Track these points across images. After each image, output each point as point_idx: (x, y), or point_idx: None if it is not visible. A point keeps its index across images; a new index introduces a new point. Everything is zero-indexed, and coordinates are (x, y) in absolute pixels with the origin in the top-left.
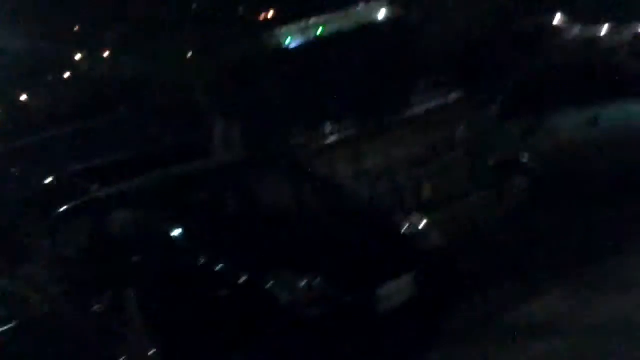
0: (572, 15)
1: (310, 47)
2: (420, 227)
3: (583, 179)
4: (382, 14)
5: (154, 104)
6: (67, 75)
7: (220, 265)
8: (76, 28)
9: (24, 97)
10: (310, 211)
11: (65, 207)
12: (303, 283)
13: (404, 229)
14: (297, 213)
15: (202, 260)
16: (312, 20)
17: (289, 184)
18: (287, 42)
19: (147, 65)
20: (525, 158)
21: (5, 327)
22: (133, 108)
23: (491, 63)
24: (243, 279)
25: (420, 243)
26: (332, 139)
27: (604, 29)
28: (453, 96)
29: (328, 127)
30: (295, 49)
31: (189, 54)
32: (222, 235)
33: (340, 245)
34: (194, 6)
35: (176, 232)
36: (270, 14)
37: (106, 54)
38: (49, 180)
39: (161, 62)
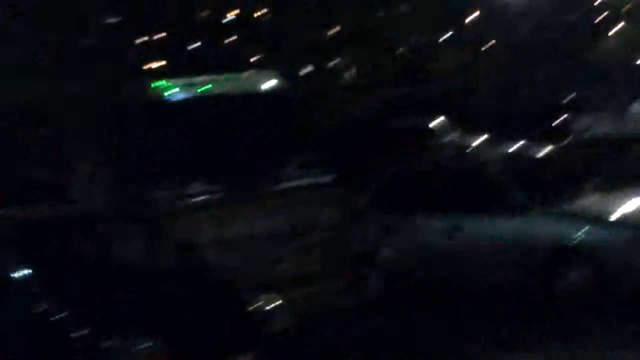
0: (453, 121)
1: (190, 104)
2: (270, 307)
3: (436, 284)
4: (269, 84)
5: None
6: None
7: (58, 316)
8: None
9: None
10: (159, 273)
11: None
12: (141, 346)
13: (253, 306)
14: (145, 273)
15: (40, 308)
16: (199, 79)
17: (144, 240)
18: (167, 94)
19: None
20: (384, 253)
21: None
22: None
23: (367, 154)
24: (79, 333)
25: (267, 323)
26: (197, 200)
27: (481, 141)
28: (325, 179)
29: (195, 188)
30: (175, 102)
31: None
32: (63, 284)
33: (184, 313)
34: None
35: (18, 275)
36: (155, 64)
37: None
38: None
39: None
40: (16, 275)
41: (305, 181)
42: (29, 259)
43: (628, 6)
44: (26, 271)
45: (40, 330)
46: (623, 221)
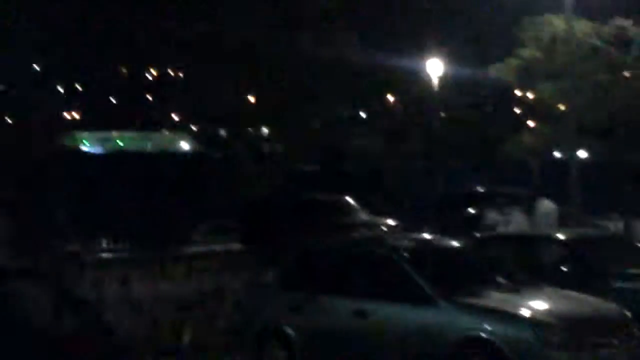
0: (362, 201)
1: (105, 158)
2: None
3: None
4: (185, 145)
5: None
6: None
7: None
8: None
9: None
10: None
11: None
12: None
13: None
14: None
15: None
16: (115, 133)
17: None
18: (83, 145)
19: None
20: (288, 330)
21: None
22: None
23: (278, 226)
24: None
25: None
26: (105, 255)
27: (391, 224)
28: (236, 246)
29: (104, 243)
30: (90, 156)
31: None
32: None
33: None
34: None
35: None
36: (75, 115)
37: None
38: None
39: None
40: None
41: (213, 247)
42: None
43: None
44: None
45: None
46: (526, 317)
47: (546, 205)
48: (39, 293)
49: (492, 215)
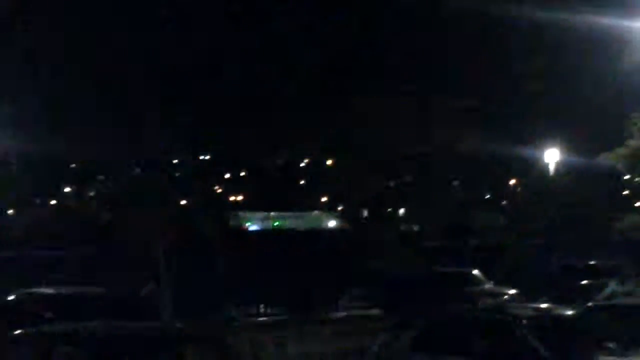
0: (486, 273)
1: (264, 235)
2: None
3: None
4: (330, 223)
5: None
6: None
7: None
8: None
9: None
10: None
11: None
12: None
13: None
14: None
15: None
16: (273, 214)
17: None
18: (246, 224)
19: None
20: None
21: None
22: None
23: (413, 295)
24: None
25: None
26: (261, 319)
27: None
28: (375, 312)
29: (260, 308)
30: (252, 233)
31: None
32: None
33: None
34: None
35: None
36: (239, 197)
37: None
38: None
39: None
40: None
41: (356, 312)
42: None
43: None
44: None
45: None
46: None
47: None
48: (206, 355)
49: (612, 287)
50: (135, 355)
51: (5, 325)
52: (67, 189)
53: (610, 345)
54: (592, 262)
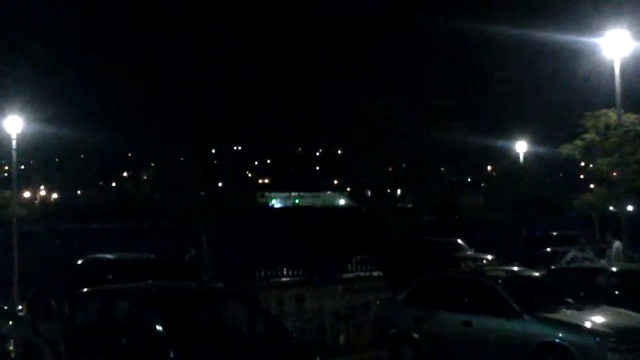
0: (469, 243)
1: (286, 212)
2: None
3: None
4: (341, 201)
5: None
6: None
7: None
8: None
9: None
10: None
11: None
12: None
13: None
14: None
15: None
16: (294, 194)
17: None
18: (271, 203)
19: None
20: (415, 335)
21: None
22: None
23: (409, 259)
24: None
25: None
26: (284, 280)
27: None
28: (377, 274)
29: (283, 271)
30: (276, 209)
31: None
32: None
33: None
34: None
35: None
36: (266, 180)
37: None
38: None
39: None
40: None
41: (361, 273)
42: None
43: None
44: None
45: None
46: (588, 327)
47: (617, 245)
48: (239, 307)
49: (572, 253)
50: (181, 308)
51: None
52: (124, 174)
53: (569, 300)
54: (554, 233)
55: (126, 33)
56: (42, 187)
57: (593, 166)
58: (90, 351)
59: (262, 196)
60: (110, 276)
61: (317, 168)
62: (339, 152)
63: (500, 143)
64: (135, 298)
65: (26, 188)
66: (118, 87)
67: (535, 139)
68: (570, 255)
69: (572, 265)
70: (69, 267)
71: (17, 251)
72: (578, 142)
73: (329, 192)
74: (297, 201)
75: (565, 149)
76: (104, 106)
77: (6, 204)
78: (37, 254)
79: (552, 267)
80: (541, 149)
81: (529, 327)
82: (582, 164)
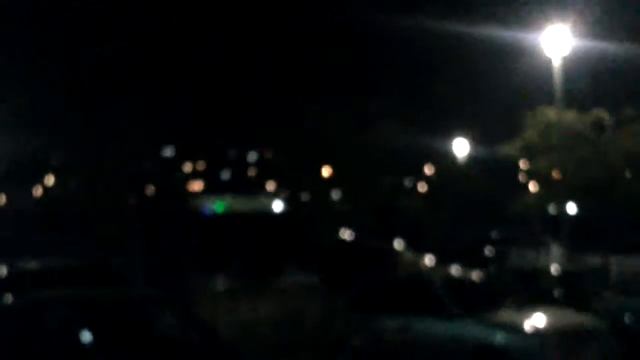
0: (408, 245)
1: (219, 216)
2: None
3: None
4: (276, 207)
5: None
6: None
7: None
8: None
9: None
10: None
11: None
12: None
13: None
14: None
15: None
16: (227, 197)
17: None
18: (203, 207)
19: None
20: (355, 342)
21: None
22: None
23: (346, 265)
24: None
25: None
26: (217, 286)
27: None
28: (314, 279)
29: (216, 277)
30: (209, 214)
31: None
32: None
33: None
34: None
35: None
36: (198, 186)
37: None
38: None
39: None
40: None
41: (298, 280)
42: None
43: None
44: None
45: None
46: (527, 328)
47: (555, 246)
48: (171, 315)
49: (513, 254)
50: (109, 316)
51: None
52: (51, 177)
53: (509, 300)
54: (493, 234)
55: (55, 35)
56: None
57: (532, 166)
58: None
59: (194, 200)
60: (33, 284)
61: (251, 172)
62: (273, 155)
63: (440, 143)
64: (61, 306)
65: None
66: (45, 89)
67: (475, 139)
68: (509, 255)
69: (512, 265)
70: None
71: None
72: (518, 142)
73: (262, 197)
74: (229, 206)
75: (505, 149)
76: (30, 109)
77: None
78: None
79: (492, 267)
80: (481, 149)
81: (467, 329)
82: (522, 163)
